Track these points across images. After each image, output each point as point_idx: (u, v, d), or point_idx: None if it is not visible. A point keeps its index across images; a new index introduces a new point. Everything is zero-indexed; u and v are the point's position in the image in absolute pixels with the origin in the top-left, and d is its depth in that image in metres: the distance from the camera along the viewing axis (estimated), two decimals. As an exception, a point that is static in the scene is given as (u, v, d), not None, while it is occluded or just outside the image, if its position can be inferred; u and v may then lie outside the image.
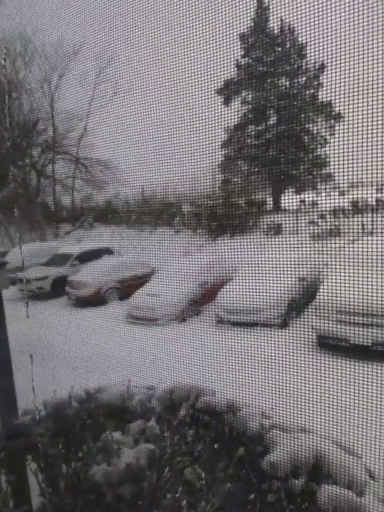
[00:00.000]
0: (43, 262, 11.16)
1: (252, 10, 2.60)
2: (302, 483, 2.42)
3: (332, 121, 5.43)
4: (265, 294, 3.29)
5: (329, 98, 2.75)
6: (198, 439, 2.92)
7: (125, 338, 5.50)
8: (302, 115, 4.47)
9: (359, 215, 4.64)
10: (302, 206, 5.18)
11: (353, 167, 2.57)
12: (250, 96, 6.63)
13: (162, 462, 2.79)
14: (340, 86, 2.55)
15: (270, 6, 3.06)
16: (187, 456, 2.84)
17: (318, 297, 4.35)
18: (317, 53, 2.50)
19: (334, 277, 2.98)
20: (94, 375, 4.19)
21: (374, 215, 4.39)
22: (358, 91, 2.43)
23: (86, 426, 3.22)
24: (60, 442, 3.17)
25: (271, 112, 7.35)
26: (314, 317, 4.24)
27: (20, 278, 8.98)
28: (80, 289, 9.71)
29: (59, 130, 9.25)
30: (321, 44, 2.48)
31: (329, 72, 2.61)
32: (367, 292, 2.77)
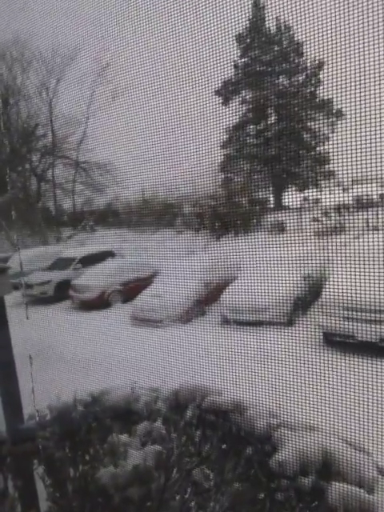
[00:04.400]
0: (46, 267, 11.17)
1: (248, 10, 2.60)
2: (311, 481, 2.40)
3: (332, 118, 5.41)
4: (270, 292, 3.27)
5: (328, 95, 2.75)
6: (205, 440, 2.90)
7: (129, 340, 5.48)
8: (302, 113, 4.47)
9: (363, 211, 4.63)
10: (305, 204, 5.17)
11: (355, 163, 2.56)
12: (249, 95, 6.63)
13: (170, 463, 2.78)
14: (339, 83, 2.54)
15: (266, 6, 3.06)
16: (195, 457, 2.83)
17: (323, 294, 4.34)
18: (315, 50, 2.49)
19: (338, 273, 2.96)
20: (100, 378, 4.18)
21: (378, 210, 4.38)
22: (356, 87, 2.42)
23: (92, 429, 3.21)
24: (66, 446, 3.16)
25: (271, 111, 7.35)
26: (319, 314, 4.22)
27: (23, 282, 8.98)
28: (83, 292, 9.70)
29: (58, 135, 9.26)
30: (318, 41, 2.47)
31: (328, 69, 2.60)
32: (373, 288, 2.75)
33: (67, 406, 3.38)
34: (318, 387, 2.66)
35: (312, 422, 2.68)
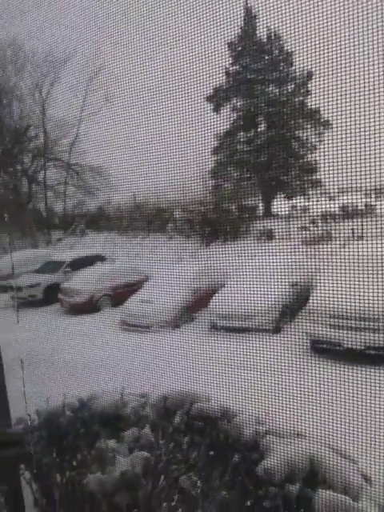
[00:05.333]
0: (35, 269, 11.08)
1: (240, 18, 2.63)
2: (297, 489, 2.42)
3: (321, 127, 5.49)
4: (258, 299, 3.30)
5: (317, 105, 2.79)
6: (192, 446, 2.90)
7: (118, 345, 5.47)
8: (292, 121, 4.52)
9: (349, 220, 4.69)
10: (293, 212, 5.22)
11: (342, 173, 2.60)
12: (240, 103, 6.68)
13: (157, 469, 2.78)
14: (328, 93, 2.58)
15: (258, 15, 3.10)
16: (182, 463, 2.83)
17: (310, 301, 4.37)
18: (305, 60, 2.53)
19: (326, 281, 2.99)
20: (88, 383, 4.16)
21: (364, 220, 4.44)
22: (345, 98, 2.46)
23: (79, 435, 3.19)
24: (54, 451, 3.14)
25: (261, 118, 7.41)
26: (306, 321, 4.25)
27: (11, 285, 8.90)
28: (73, 296, 9.64)
29: (51, 137, 9.23)
30: (308, 51, 2.51)
31: (317, 79, 2.65)
32: (359, 296, 2.79)
33: (55, 410, 3.36)
34: (305, 394, 2.69)
35: (299, 428, 2.70)
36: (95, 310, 9.18)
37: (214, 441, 2.83)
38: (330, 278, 2.94)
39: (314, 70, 2.64)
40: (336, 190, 2.76)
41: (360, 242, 2.86)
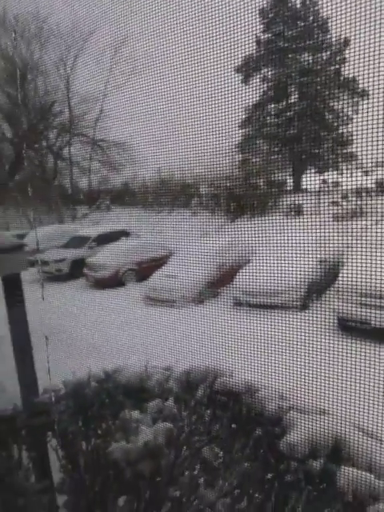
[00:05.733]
0: (61, 245, 11.28)
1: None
2: (320, 465, 2.41)
3: (356, 98, 5.24)
4: (284, 276, 3.24)
5: (353, 74, 2.65)
6: (215, 419, 2.93)
7: (143, 319, 5.53)
8: (326, 92, 4.33)
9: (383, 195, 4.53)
10: (325, 186, 5.06)
11: (378, 146, 2.48)
12: (271, 73, 6.45)
13: (180, 440, 2.82)
14: (364, 62, 2.44)
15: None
16: (205, 436, 2.86)
17: (339, 279, 4.28)
18: (340, 27, 2.39)
19: (356, 259, 2.90)
20: (113, 356, 4.24)
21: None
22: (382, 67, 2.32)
23: (104, 405, 3.26)
24: (80, 420, 3.23)
25: (293, 89, 7.15)
26: (334, 299, 4.18)
27: (38, 259, 9.08)
28: (98, 271, 9.79)
29: (75, 112, 9.19)
30: (344, 18, 2.37)
31: (353, 47, 2.50)
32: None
33: (81, 381, 3.44)
34: (331, 372, 2.65)
35: (324, 406, 2.67)
36: (120, 284, 9.30)
37: (237, 414, 2.84)
38: (361, 255, 2.85)
39: (349, 36, 2.49)
40: (371, 164, 2.63)
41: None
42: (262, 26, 5.74)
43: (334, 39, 6.16)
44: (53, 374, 3.54)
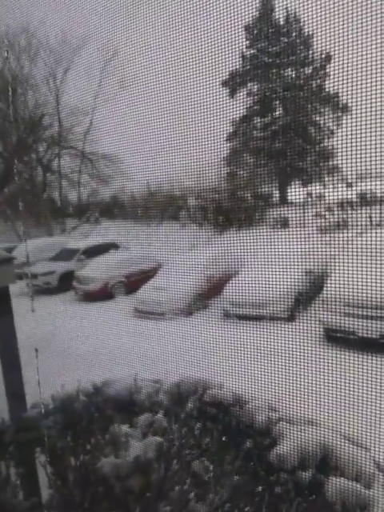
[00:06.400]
0: (50, 257, 11.22)
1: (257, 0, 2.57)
2: (309, 475, 2.42)
3: (338, 112, 5.37)
4: (271, 287, 3.27)
5: (335, 89, 2.72)
6: (205, 432, 2.93)
7: (132, 332, 5.51)
8: (309, 106, 4.43)
9: (366, 207, 4.60)
10: (309, 199, 5.14)
11: (360, 159, 2.54)
12: (256, 87, 6.57)
13: (170, 454, 2.81)
14: (346, 77, 2.52)
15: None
16: (195, 449, 2.85)
17: (325, 290, 4.33)
18: (323, 43, 2.47)
19: (341, 269, 2.95)
20: (102, 369, 4.21)
21: (382, 207, 4.35)
22: (364, 81, 2.40)
23: (93, 419, 3.24)
24: (68, 435, 3.20)
25: (277, 103, 7.28)
26: (321, 310, 4.22)
27: (27, 272, 9.02)
28: (87, 284, 9.74)
29: (65, 125, 9.23)
30: (326, 33, 2.45)
31: (335, 62, 2.58)
32: (375, 284, 2.74)
33: (69, 396, 3.42)
34: (319, 383, 2.67)
35: (312, 416, 2.69)
36: (109, 297, 9.26)
37: (227, 426, 2.84)
38: (346, 266, 2.90)
39: (332, 52, 2.57)
40: (354, 177, 2.69)
41: (378, 229, 2.80)
42: (247, 42, 5.88)
43: (316, 55, 6.31)
44: (42, 388, 3.51)
